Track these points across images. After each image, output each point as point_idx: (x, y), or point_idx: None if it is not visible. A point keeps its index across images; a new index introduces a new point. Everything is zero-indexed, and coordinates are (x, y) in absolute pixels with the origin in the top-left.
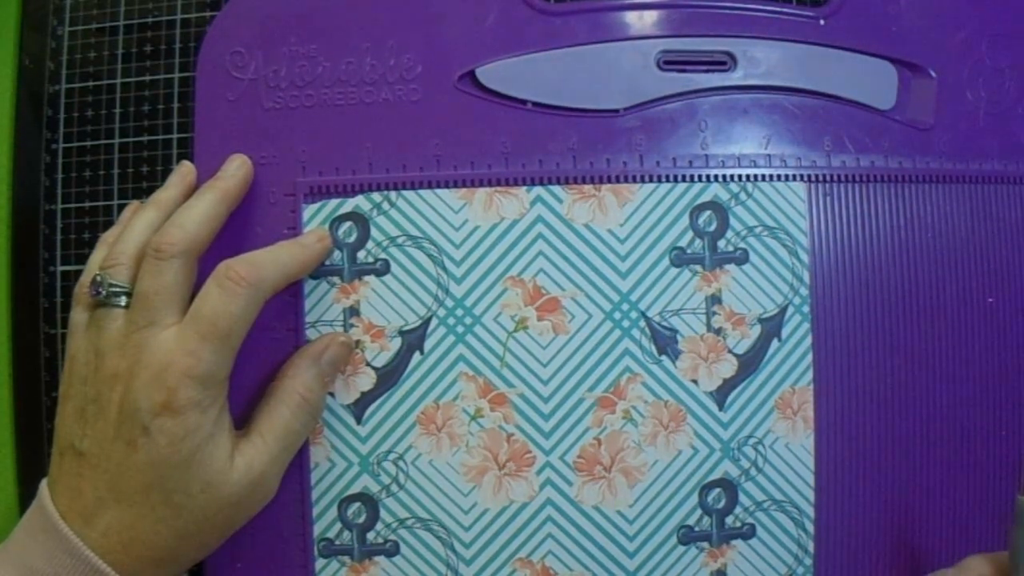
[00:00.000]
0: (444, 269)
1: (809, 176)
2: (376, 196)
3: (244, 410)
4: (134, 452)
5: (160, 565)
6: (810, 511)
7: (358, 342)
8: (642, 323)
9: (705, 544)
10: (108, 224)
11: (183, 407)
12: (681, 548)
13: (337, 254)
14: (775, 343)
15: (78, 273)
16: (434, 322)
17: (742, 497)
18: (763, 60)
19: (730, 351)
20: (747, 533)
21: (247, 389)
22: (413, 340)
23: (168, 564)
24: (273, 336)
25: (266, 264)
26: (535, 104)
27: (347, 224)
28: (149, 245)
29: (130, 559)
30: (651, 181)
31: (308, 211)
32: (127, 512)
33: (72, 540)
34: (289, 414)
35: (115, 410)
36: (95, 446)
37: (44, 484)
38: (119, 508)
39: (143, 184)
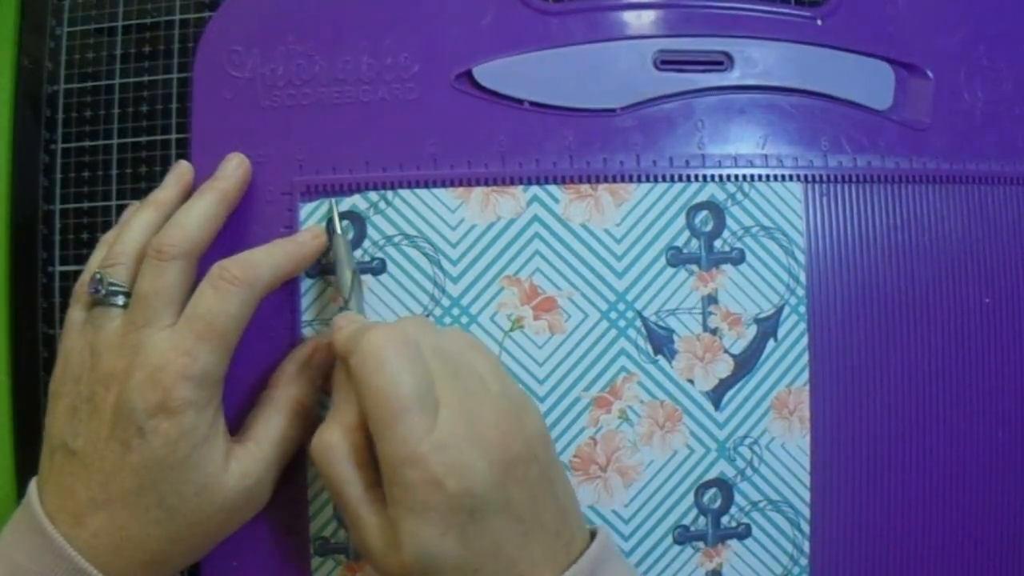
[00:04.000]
0: (440, 268)
1: (806, 176)
2: (373, 195)
3: (241, 410)
4: (128, 453)
5: (150, 567)
6: (806, 511)
7: None
8: (638, 323)
9: (701, 544)
10: (107, 225)
11: (179, 407)
12: (677, 548)
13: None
14: (771, 343)
15: (77, 273)
16: None
17: (738, 497)
18: (760, 60)
19: (726, 351)
20: (743, 533)
21: (245, 388)
22: None
23: (159, 566)
24: (270, 334)
25: (260, 263)
26: (532, 103)
27: (344, 223)
28: (150, 246)
29: (120, 561)
30: (648, 181)
31: (305, 210)
32: (120, 513)
33: (56, 540)
34: (286, 421)
35: (110, 410)
36: (88, 446)
37: (33, 483)
38: (112, 509)
39: (142, 185)
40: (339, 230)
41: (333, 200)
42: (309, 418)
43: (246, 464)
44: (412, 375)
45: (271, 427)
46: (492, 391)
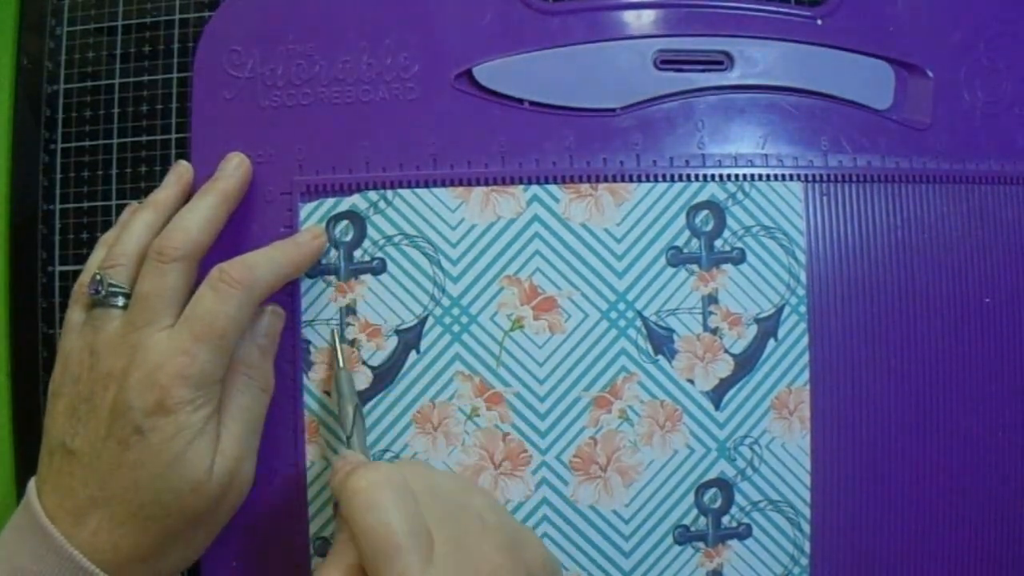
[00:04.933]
0: (440, 268)
1: (806, 176)
2: (372, 195)
3: None
4: (126, 451)
5: (148, 564)
6: (806, 511)
7: (354, 341)
8: (638, 322)
9: (701, 544)
10: (106, 224)
11: (176, 406)
12: (677, 548)
13: (333, 253)
14: (771, 343)
15: (76, 273)
16: (430, 321)
17: (738, 497)
18: (760, 60)
19: (726, 351)
20: (743, 533)
21: None
22: (409, 339)
23: (156, 562)
24: None
25: (260, 265)
26: (532, 103)
27: (344, 223)
28: (152, 248)
29: (118, 558)
30: (648, 180)
31: (305, 210)
32: (116, 511)
33: (58, 540)
34: (237, 393)
35: (108, 409)
36: (86, 445)
37: (32, 483)
38: (110, 507)
39: (141, 184)
40: (342, 364)
41: (334, 330)
42: (263, 386)
43: (220, 445)
44: (402, 513)
45: (227, 402)
46: (489, 525)
